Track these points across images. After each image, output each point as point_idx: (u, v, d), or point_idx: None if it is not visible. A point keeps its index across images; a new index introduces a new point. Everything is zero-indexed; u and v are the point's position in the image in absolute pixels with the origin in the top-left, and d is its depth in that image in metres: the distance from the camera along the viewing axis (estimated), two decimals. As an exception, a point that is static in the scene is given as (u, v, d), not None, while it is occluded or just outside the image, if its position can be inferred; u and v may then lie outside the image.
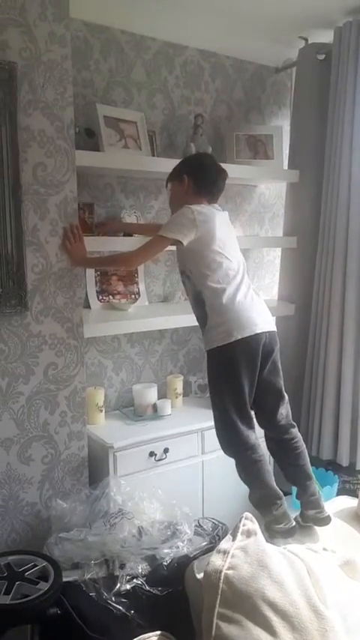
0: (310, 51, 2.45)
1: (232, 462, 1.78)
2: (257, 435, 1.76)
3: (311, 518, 1.71)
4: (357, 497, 1.86)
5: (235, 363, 1.67)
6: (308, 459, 1.82)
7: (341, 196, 2.32)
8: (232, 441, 1.73)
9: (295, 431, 1.81)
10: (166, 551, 1.65)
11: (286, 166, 2.62)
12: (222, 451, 1.78)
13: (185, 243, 1.71)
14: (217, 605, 1.20)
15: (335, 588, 1.22)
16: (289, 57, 2.60)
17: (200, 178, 1.83)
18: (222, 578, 1.23)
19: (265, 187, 2.79)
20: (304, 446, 1.81)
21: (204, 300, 1.72)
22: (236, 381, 1.68)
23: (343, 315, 2.36)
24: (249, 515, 1.41)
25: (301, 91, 2.55)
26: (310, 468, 1.82)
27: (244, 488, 1.78)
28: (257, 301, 1.76)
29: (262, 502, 1.71)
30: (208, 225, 1.73)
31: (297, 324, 2.62)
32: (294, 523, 1.69)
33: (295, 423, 1.82)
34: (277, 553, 1.29)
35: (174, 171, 1.89)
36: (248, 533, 1.34)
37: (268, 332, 1.73)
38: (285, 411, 1.79)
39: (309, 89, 2.50)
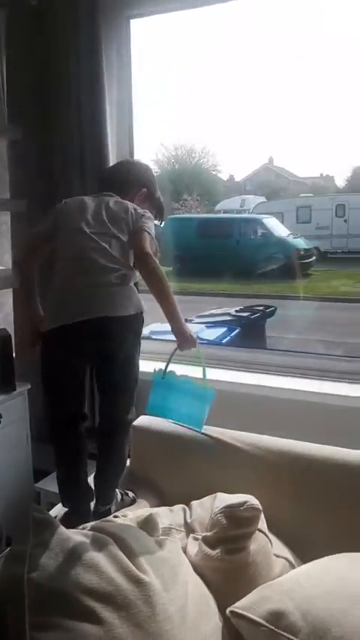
0: (22, -7, 2.23)
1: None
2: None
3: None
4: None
5: None
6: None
7: (73, 154, 2.23)
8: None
9: (111, 442, 1.76)
10: None
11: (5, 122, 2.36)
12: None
13: None
14: (27, 616, 1.04)
15: (145, 550, 1.20)
16: (-2, -5, 2.31)
17: None
18: (25, 584, 1.07)
19: (-16, 144, 2.48)
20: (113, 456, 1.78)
21: None
22: None
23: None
24: (36, 506, 1.27)
25: (15, 37, 2.31)
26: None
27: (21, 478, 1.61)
28: None
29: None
30: None
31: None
32: None
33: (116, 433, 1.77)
34: (81, 536, 1.19)
35: None
36: (43, 526, 1.20)
37: None
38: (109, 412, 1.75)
39: (23, 36, 2.28)
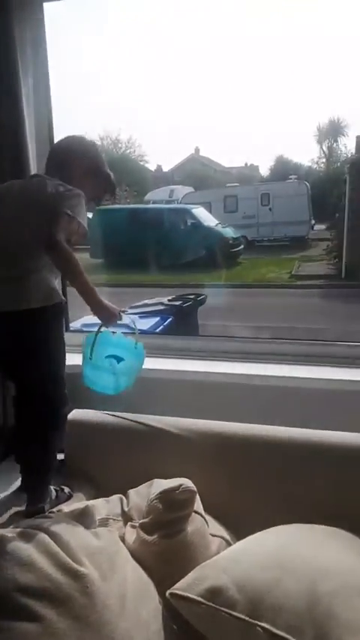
0: None
1: None
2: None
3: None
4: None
5: None
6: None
7: None
8: None
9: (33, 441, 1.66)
10: None
11: None
12: None
13: None
14: None
15: (81, 542, 1.19)
16: None
17: None
18: None
19: None
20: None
21: None
22: None
23: None
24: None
25: None
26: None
27: None
28: None
29: None
30: None
31: None
32: None
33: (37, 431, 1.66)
34: (15, 536, 1.16)
35: None
36: (-27, 528, 1.16)
37: None
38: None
39: None
